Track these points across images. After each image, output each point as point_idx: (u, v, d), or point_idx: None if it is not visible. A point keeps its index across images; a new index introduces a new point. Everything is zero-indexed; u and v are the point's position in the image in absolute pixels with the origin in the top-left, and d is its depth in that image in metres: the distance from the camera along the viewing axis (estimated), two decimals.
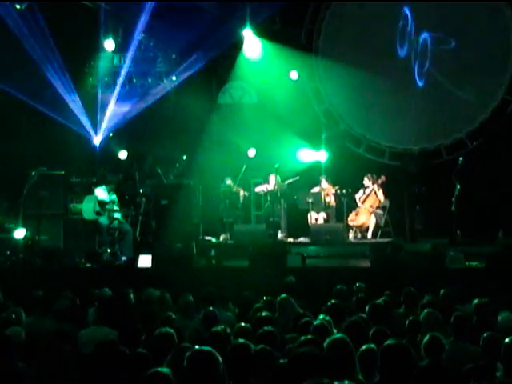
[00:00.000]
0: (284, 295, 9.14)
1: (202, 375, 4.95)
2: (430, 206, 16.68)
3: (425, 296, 9.17)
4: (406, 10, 17.82)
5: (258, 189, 17.45)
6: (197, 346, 5.46)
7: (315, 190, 16.83)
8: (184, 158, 17.67)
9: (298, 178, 17.02)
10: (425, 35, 17.76)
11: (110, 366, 5.66)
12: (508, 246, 13.48)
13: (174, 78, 18.37)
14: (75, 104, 17.28)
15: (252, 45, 18.15)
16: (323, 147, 17.99)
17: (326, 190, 16.85)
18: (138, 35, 17.79)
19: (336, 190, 16.80)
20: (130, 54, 17.98)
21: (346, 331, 6.62)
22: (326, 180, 16.95)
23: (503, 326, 7.55)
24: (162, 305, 9.54)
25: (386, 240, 16.01)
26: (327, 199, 16.77)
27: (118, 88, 17.93)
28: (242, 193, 17.26)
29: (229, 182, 17.26)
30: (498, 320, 7.75)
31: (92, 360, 6.04)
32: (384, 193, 16.68)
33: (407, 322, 7.61)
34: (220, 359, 5.00)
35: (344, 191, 16.57)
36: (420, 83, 17.85)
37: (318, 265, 13.96)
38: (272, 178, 16.97)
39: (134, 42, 17.77)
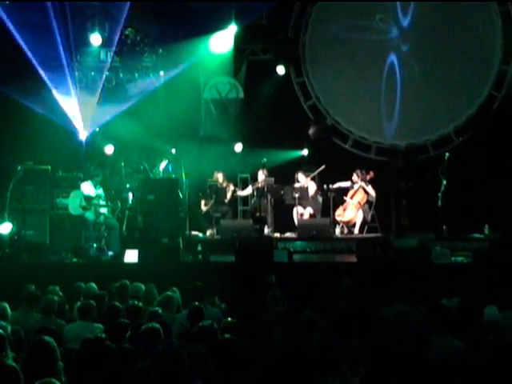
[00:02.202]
0: (275, 289, 9.17)
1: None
2: (416, 201, 16.71)
3: (411, 291, 9.18)
4: (392, 4, 17.84)
5: (246, 192, 17.56)
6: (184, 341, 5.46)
7: (297, 185, 16.81)
8: (173, 152, 17.62)
9: (272, 179, 17.00)
10: (410, 30, 17.79)
11: (96, 361, 5.65)
12: (494, 240, 13.56)
13: (161, 72, 18.33)
14: (61, 98, 17.21)
15: (224, 39, 18.13)
16: (306, 142, 18.06)
17: (305, 182, 16.86)
18: (125, 30, 17.76)
19: (312, 179, 16.86)
20: (116, 49, 17.93)
21: (332, 326, 6.64)
22: (303, 173, 16.96)
23: (489, 321, 7.59)
24: (149, 300, 9.53)
25: (372, 235, 16.10)
26: (310, 191, 16.75)
27: (101, 83, 17.89)
28: (232, 187, 17.25)
29: (220, 175, 17.22)
30: (483, 315, 7.78)
31: (78, 355, 6.04)
32: (374, 187, 16.70)
33: (393, 318, 7.62)
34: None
35: (331, 186, 16.57)
36: (407, 78, 17.87)
37: (304, 260, 14.00)
38: (260, 174, 16.98)
39: (120, 37, 17.73)
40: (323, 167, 16.92)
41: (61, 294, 9.81)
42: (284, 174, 17.24)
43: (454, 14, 17.44)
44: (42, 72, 16.72)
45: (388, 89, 18.00)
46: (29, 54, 16.43)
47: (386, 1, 17.94)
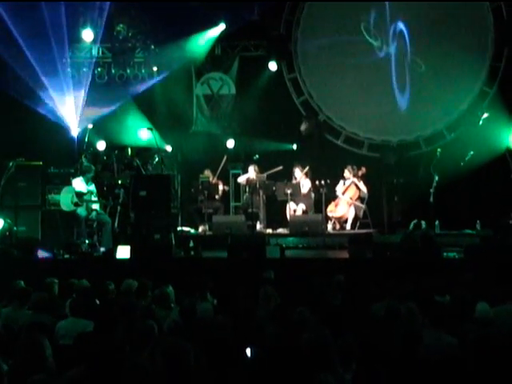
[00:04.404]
0: (268, 286, 9.17)
1: (174, 366, 4.96)
2: (408, 197, 16.73)
3: (403, 287, 9.19)
4: (384, 2, 17.86)
5: (241, 179, 17.49)
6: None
7: (293, 182, 16.83)
8: (169, 149, 17.62)
9: (281, 167, 17.01)
10: (401, 26, 17.80)
11: (90, 357, 5.65)
12: (485, 236, 13.59)
13: (154, 68, 18.32)
14: (53, 94, 17.18)
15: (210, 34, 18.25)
16: (297, 138, 18.07)
17: (302, 176, 16.87)
18: (116, 26, 17.75)
19: (305, 173, 16.86)
20: (108, 45, 17.94)
21: (324, 323, 6.64)
22: (300, 169, 16.94)
23: (481, 317, 7.60)
24: (142, 296, 9.52)
25: (364, 231, 16.10)
26: (303, 188, 16.74)
27: (92, 79, 17.89)
28: (221, 186, 17.26)
29: (207, 173, 17.23)
30: (475, 311, 7.79)
31: (72, 351, 6.03)
32: (366, 183, 16.73)
33: (385, 313, 7.63)
34: (191, 351, 5.00)
35: (323, 182, 16.56)
36: (399, 74, 17.87)
37: (296, 256, 14.00)
38: (250, 169, 16.99)
39: (112, 33, 17.73)
40: (307, 168, 16.94)
41: (56, 286, 9.78)
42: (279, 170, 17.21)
43: (446, 11, 17.44)
44: (34, 68, 16.68)
45: (380, 85, 18.00)
46: (21, 49, 16.38)
47: (377, 0, 17.94)
